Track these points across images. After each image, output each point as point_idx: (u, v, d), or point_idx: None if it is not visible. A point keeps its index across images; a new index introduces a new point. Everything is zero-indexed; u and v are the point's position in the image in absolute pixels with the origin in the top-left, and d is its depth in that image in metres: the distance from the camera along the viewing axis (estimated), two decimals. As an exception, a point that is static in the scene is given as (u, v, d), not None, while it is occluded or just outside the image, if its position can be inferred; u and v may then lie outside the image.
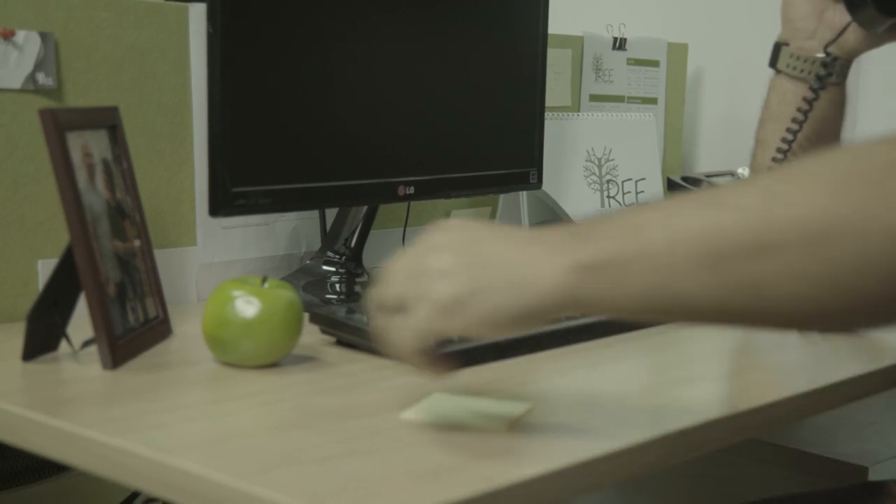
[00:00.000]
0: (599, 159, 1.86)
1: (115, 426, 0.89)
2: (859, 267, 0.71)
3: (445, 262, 0.80)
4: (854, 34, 1.22)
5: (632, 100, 2.02)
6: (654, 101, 2.05)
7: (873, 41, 1.23)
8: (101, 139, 1.13)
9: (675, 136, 2.14)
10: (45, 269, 1.28)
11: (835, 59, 1.22)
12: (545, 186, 1.76)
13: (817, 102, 1.23)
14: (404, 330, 0.82)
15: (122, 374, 1.06)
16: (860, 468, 1.52)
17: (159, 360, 1.11)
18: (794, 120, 1.23)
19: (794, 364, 1.23)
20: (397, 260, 0.83)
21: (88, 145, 1.10)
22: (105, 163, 1.13)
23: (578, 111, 1.96)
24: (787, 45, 1.26)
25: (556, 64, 1.88)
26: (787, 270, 0.72)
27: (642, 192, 1.90)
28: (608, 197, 1.86)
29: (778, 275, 0.72)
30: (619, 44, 1.99)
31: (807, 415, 1.14)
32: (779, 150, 1.24)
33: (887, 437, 1.24)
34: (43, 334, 1.08)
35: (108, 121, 1.16)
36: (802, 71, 1.24)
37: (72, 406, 0.95)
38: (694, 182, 1.96)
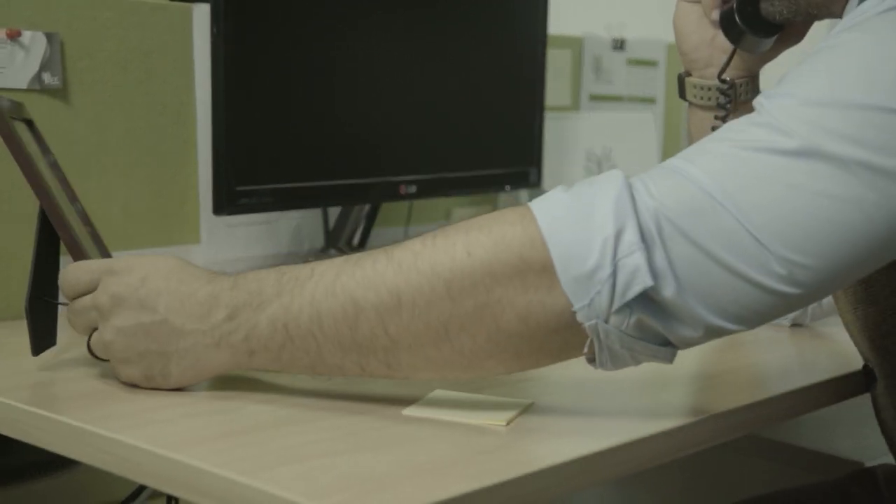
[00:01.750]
0: (599, 158, 1.87)
1: (121, 422, 0.90)
2: (471, 353, 0.89)
3: (138, 349, 0.94)
4: (744, 56, 1.23)
5: (631, 99, 2.03)
6: (652, 100, 2.06)
7: (767, 56, 1.24)
8: (24, 131, 1.12)
9: (675, 136, 2.15)
10: (50, 266, 1.29)
11: (732, 84, 1.24)
12: (545, 185, 1.77)
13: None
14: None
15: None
16: (857, 464, 1.53)
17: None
18: None
19: (788, 361, 1.24)
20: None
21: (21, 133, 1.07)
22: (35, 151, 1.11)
23: (578, 111, 1.97)
24: (689, 75, 1.28)
25: (556, 64, 1.89)
26: (416, 358, 0.90)
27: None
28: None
29: (410, 360, 0.90)
30: (619, 44, 2.00)
31: (801, 412, 1.15)
32: None
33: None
34: (45, 323, 1.07)
35: (23, 115, 1.13)
36: (709, 99, 1.26)
37: (78, 402, 0.96)
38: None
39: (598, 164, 1.86)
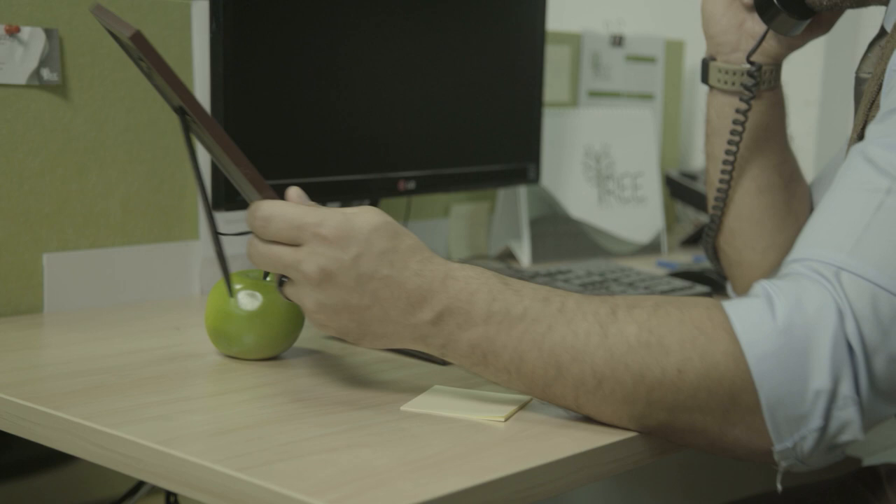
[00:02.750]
0: (598, 154, 1.87)
1: (120, 418, 0.90)
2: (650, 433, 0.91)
3: (339, 322, 0.94)
4: (775, 40, 1.23)
5: (629, 96, 2.04)
6: (650, 96, 2.06)
7: (795, 42, 1.24)
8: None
9: (673, 132, 2.15)
10: (50, 262, 1.29)
11: (759, 67, 1.23)
12: (544, 181, 1.77)
13: (754, 111, 1.24)
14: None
15: (127, 369, 1.07)
16: (855, 460, 1.54)
17: (163, 352, 1.13)
18: (732, 132, 1.24)
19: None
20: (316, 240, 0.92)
21: None
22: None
23: (577, 107, 1.97)
24: (713, 59, 1.27)
25: (555, 60, 1.89)
26: (595, 419, 0.92)
27: (640, 187, 1.91)
28: (606, 192, 1.87)
29: (588, 416, 0.92)
30: (617, 41, 2.00)
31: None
32: (725, 162, 1.26)
33: (882, 428, 1.25)
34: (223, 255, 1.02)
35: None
36: (733, 84, 1.25)
37: (76, 398, 0.96)
38: (691, 177, 1.97)
39: (596, 160, 1.86)
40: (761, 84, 1.24)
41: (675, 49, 2.12)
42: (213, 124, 0.96)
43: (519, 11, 1.64)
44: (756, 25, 1.23)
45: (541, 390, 0.91)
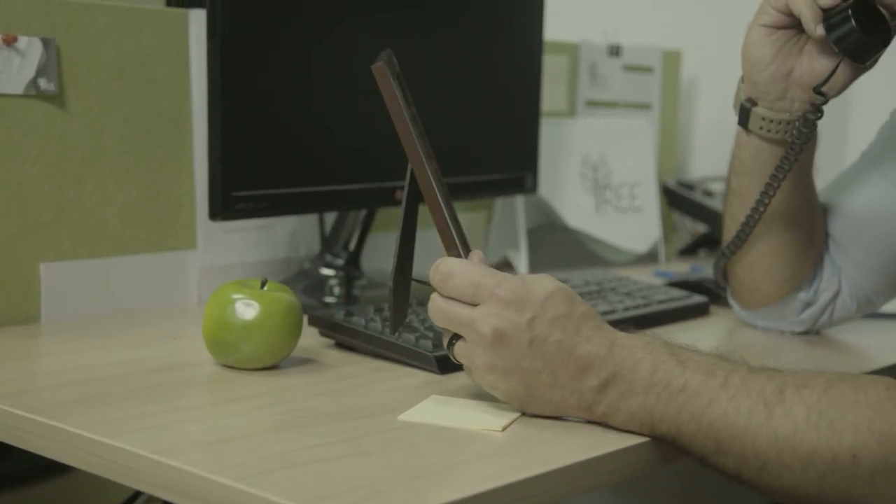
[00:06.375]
0: (595, 164, 1.88)
1: (117, 428, 0.90)
2: None
3: (508, 384, 0.94)
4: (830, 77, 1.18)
5: (627, 105, 2.04)
6: (647, 106, 2.06)
7: (848, 79, 1.18)
8: (398, 87, 1.07)
9: (670, 142, 2.15)
10: (47, 272, 1.29)
11: (821, 115, 1.18)
12: (541, 191, 1.78)
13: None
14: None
15: (124, 379, 1.07)
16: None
17: (160, 362, 1.12)
18: (774, 177, 1.22)
19: (792, 365, 1.24)
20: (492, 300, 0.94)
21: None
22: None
23: (574, 116, 1.97)
24: (755, 105, 1.22)
25: (552, 70, 1.90)
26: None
27: (637, 196, 1.91)
28: (604, 201, 1.87)
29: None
30: (614, 50, 2.01)
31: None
32: (759, 202, 1.23)
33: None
34: (403, 300, 1.03)
35: (395, 68, 1.08)
36: (777, 132, 1.21)
37: (73, 408, 0.96)
38: (689, 187, 1.97)
39: (593, 170, 1.86)
40: (814, 131, 1.20)
41: (672, 59, 2.12)
42: (419, 164, 1.00)
43: (516, 21, 1.64)
44: (805, 75, 1.18)
45: (700, 460, 0.91)
